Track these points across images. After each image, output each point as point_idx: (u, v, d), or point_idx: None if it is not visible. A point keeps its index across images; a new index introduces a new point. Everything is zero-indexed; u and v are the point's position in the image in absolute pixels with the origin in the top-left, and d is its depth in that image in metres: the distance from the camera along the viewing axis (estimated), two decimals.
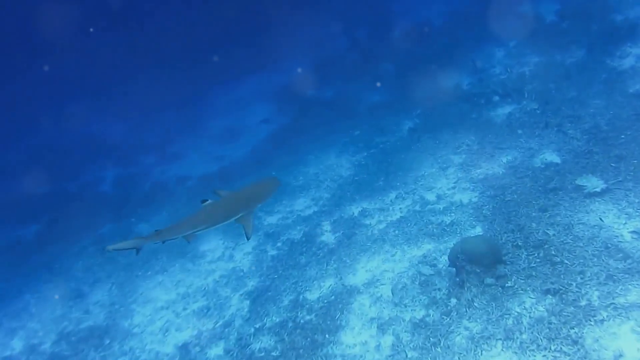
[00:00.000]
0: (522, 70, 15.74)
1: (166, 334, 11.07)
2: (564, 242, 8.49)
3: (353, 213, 12.37)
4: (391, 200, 12.25)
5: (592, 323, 7.02)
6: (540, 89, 13.99)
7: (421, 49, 20.63)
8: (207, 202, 7.37)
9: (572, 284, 7.66)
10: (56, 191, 21.78)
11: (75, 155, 25.19)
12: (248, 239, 7.64)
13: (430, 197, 11.73)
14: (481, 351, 7.39)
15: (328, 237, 11.95)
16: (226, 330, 10.39)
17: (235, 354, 9.59)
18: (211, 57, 27.28)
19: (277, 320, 9.95)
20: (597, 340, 6.79)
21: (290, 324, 9.66)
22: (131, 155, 23.00)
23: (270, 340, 9.52)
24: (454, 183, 11.84)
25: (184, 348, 10.40)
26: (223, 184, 16.92)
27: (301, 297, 10.31)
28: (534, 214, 9.48)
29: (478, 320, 7.89)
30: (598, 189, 9.33)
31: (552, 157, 11.10)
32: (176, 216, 15.71)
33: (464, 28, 20.67)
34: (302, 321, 9.61)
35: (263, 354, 9.25)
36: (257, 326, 10.04)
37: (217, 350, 9.97)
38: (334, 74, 22.21)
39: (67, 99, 29.63)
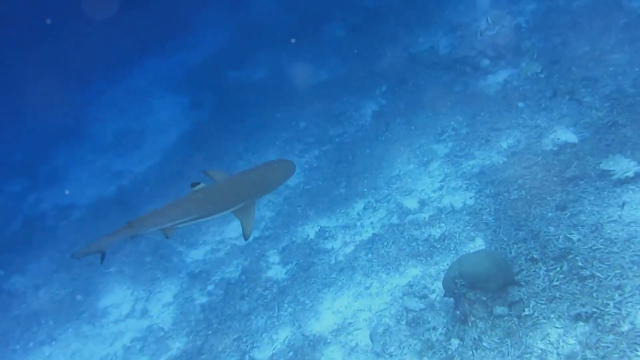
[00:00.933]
0: (517, 20, 16.05)
1: None
2: (593, 248, 8.65)
3: (308, 235, 12.39)
4: (358, 213, 12.33)
5: (639, 352, 7.18)
6: (542, 45, 14.39)
7: (379, 1, 20.81)
8: (199, 185, 7.35)
9: (609, 304, 7.81)
10: None
11: None
12: (246, 239, 7.70)
13: (411, 203, 11.87)
14: None
15: (277, 271, 11.94)
16: None
17: None
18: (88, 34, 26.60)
19: None
20: None
21: None
22: None
23: None
24: (441, 182, 12.02)
25: None
26: (124, 211, 16.65)
27: (247, 357, 10.23)
28: (550, 214, 9.68)
29: None
30: (630, 173, 9.59)
31: (566, 135, 11.39)
32: (61, 262, 15.42)
33: None
34: None
35: None
36: None
37: None
38: (263, 45, 22.14)
39: None
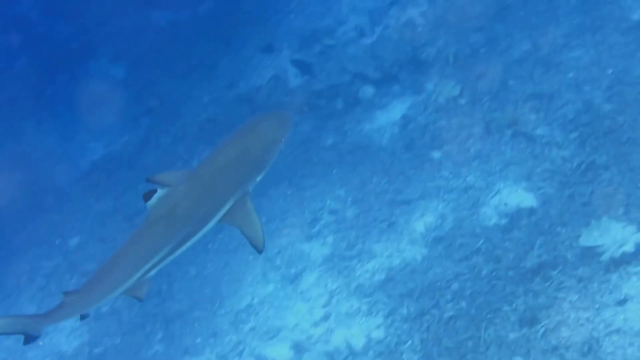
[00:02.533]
0: (408, 15, 16.39)
1: None
2: None
3: None
4: None
5: None
6: (455, 50, 14.70)
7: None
8: (154, 197, 7.27)
9: None
10: None
11: None
12: (260, 252, 7.78)
13: (281, 353, 11.77)
14: None
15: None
16: None
17: None
18: None
19: None
20: None
21: None
22: None
23: None
24: (324, 307, 12.01)
25: None
26: None
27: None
28: (512, 335, 9.82)
29: None
30: (629, 247, 9.88)
31: (517, 196, 11.64)
32: None
33: None
34: None
35: None
36: None
37: None
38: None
39: None
